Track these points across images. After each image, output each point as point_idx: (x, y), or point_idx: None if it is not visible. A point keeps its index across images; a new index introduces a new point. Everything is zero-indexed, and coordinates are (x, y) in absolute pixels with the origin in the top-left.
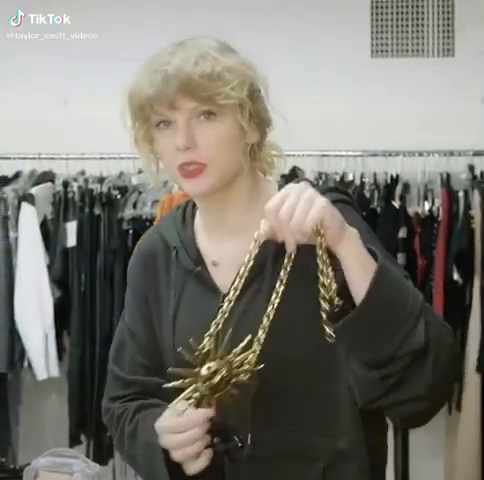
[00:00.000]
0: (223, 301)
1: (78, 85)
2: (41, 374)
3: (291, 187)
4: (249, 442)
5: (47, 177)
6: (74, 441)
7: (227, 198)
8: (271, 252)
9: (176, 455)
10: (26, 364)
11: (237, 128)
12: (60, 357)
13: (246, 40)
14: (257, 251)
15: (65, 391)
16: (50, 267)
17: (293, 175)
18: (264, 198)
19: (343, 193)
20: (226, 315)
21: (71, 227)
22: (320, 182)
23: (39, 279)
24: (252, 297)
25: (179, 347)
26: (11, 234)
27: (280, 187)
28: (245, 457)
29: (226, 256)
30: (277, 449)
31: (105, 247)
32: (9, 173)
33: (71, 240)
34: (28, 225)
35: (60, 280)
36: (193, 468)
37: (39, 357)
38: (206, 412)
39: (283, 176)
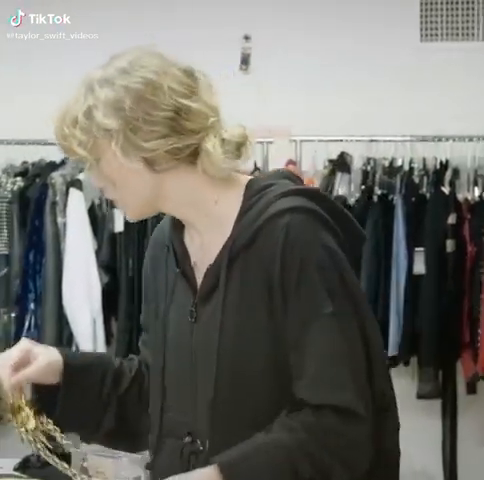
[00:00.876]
0: (192, 305)
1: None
2: None
3: None
4: (207, 446)
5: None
6: None
7: (176, 210)
8: (224, 260)
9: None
10: (74, 349)
11: (113, 169)
12: (108, 342)
13: (290, 23)
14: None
15: None
16: (98, 252)
17: (342, 161)
18: (226, 197)
19: (307, 194)
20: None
21: (119, 212)
22: (368, 168)
23: (87, 264)
24: (213, 304)
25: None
26: (59, 220)
27: (249, 186)
28: (204, 460)
29: (200, 258)
30: None
31: (152, 232)
32: (57, 159)
33: (119, 225)
34: (76, 210)
35: (108, 265)
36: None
37: (87, 342)
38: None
39: (331, 161)
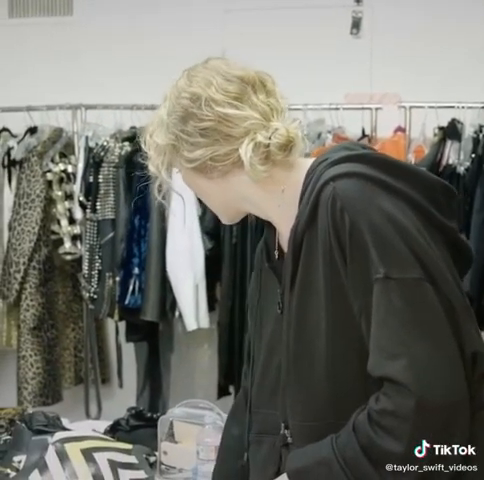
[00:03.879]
0: (279, 298)
1: (235, 35)
2: (191, 325)
3: None
4: (289, 435)
5: None
6: (222, 392)
7: (252, 208)
8: (290, 245)
9: None
10: (177, 314)
11: (188, 180)
12: (212, 308)
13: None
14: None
15: (215, 342)
16: (202, 219)
17: (452, 128)
18: (290, 184)
19: (360, 161)
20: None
21: None
22: (480, 136)
23: (191, 230)
24: (291, 291)
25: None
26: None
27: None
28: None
29: (284, 251)
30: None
31: None
32: None
33: None
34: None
35: (211, 232)
36: None
37: (189, 308)
38: None
39: (441, 128)
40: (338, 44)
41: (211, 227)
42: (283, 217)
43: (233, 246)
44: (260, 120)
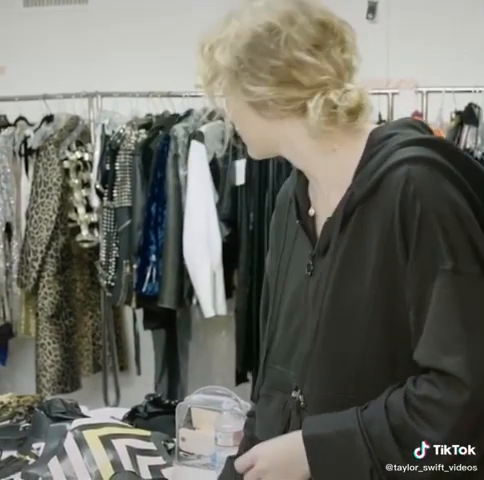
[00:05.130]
0: (311, 259)
1: None
2: (208, 312)
3: (274, 464)
4: (302, 400)
5: (218, 115)
6: (240, 379)
7: (296, 155)
8: (340, 211)
9: None
10: (195, 301)
11: (232, 105)
12: (229, 295)
13: None
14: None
15: (233, 329)
16: (219, 205)
17: (469, 112)
18: (344, 147)
19: (429, 144)
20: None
21: (240, 165)
22: None
23: (208, 217)
24: (328, 258)
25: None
26: (181, 172)
27: (372, 135)
28: (303, 415)
29: (320, 210)
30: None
31: (273, 185)
32: (181, 111)
33: (240, 178)
34: (198, 163)
35: (229, 218)
36: None
37: (207, 295)
38: None
39: (458, 113)
40: (354, 29)
41: (228, 214)
42: (328, 176)
43: (250, 233)
44: (335, 77)
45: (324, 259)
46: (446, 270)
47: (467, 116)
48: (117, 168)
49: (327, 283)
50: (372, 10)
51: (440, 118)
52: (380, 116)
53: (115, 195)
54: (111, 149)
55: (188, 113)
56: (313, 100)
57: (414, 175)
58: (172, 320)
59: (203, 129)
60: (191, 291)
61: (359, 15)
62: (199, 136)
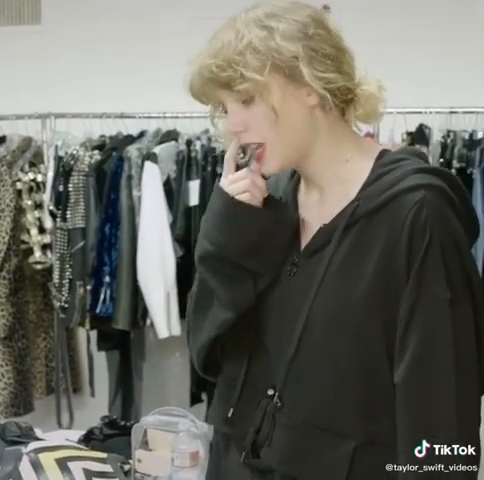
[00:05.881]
0: (295, 259)
1: (202, 44)
2: (163, 332)
3: None
4: (275, 400)
5: (171, 136)
6: (195, 399)
7: (309, 160)
8: (344, 220)
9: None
10: (149, 322)
11: (281, 101)
12: (183, 315)
13: None
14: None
15: (187, 349)
16: (173, 226)
17: (420, 133)
18: (356, 159)
19: (439, 174)
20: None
21: (194, 186)
22: (448, 140)
23: (162, 238)
24: (317, 262)
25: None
26: (135, 193)
27: (380, 155)
28: (280, 417)
29: (311, 215)
30: (312, 418)
31: None
32: (134, 132)
33: (194, 199)
34: (151, 184)
35: (182, 239)
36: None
37: (161, 316)
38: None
39: (409, 133)
40: None
41: (182, 234)
42: (331, 185)
43: None
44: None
45: (312, 262)
46: (443, 299)
47: (418, 137)
48: (70, 189)
49: (318, 287)
50: None
51: (392, 139)
52: None
53: (68, 216)
54: (64, 170)
55: (141, 134)
56: (367, 87)
57: (428, 201)
58: (126, 341)
59: (157, 150)
60: (145, 312)
61: None
62: (153, 157)
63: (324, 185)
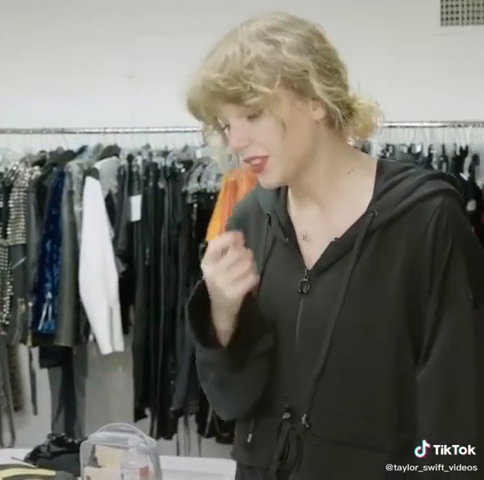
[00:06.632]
0: (306, 277)
1: (143, 59)
2: (106, 348)
3: None
4: (303, 422)
5: (112, 151)
6: (139, 415)
7: (310, 175)
8: (362, 231)
9: (219, 282)
10: (91, 338)
11: (289, 115)
12: (126, 331)
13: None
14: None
15: (131, 365)
16: (115, 241)
17: (360, 148)
18: (357, 171)
19: (448, 179)
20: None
21: (135, 201)
22: (387, 154)
23: (104, 253)
24: (335, 276)
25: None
26: (76, 208)
27: (380, 166)
28: (309, 438)
29: (315, 230)
30: (343, 436)
31: (169, 221)
32: (75, 147)
33: (135, 214)
34: (93, 199)
35: (125, 254)
36: (234, 291)
37: (103, 331)
38: (234, 234)
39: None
40: None
41: (124, 250)
42: (333, 199)
43: (146, 268)
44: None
45: (328, 277)
46: (465, 299)
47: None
48: (11, 205)
49: (342, 302)
50: None
51: None
52: None
53: (9, 233)
54: (4, 186)
55: (82, 149)
56: (361, 101)
57: (447, 206)
58: (69, 357)
59: (98, 165)
60: (88, 328)
61: None
62: (94, 172)
63: (326, 199)
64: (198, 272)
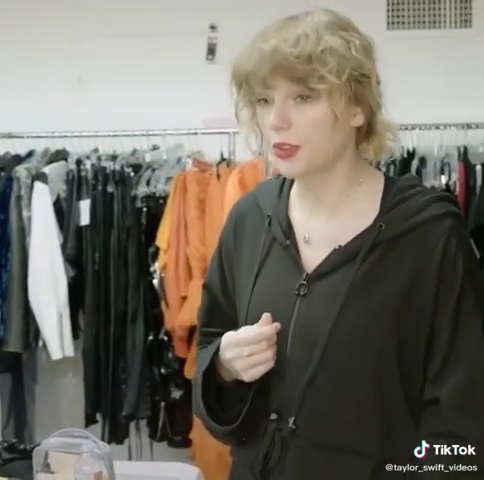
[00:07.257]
0: (305, 280)
1: (91, 63)
2: (56, 354)
3: None
4: (290, 424)
5: (60, 155)
6: (90, 420)
7: (326, 178)
8: (368, 242)
9: (238, 365)
10: (41, 344)
11: (340, 111)
12: (76, 336)
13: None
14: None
15: (81, 370)
16: (64, 246)
17: None
18: (367, 183)
19: (452, 202)
20: (304, 293)
21: (84, 205)
22: None
23: (53, 258)
24: (335, 282)
25: (251, 313)
26: (24, 213)
27: (388, 180)
28: (295, 440)
29: (318, 235)
30: (330, 440)
31: (119, 225)
32: (22, 152)
33: (84, 218)
34: (41, 204)
35: (74, 259)
36: (252, 375)
37: (53, 337)
38: (276, 326)
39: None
40: (194, 70)
41: (73, 254)
42: (343, 208)
43: (96, 273)
44: None
45: (326, 282)
46: (480, 323)
47: None
48: None
49: (340, 306)
50: (212, 51)
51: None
52: (222, 155)
53: None
54: None
55: (30, 154)
56: (380, 119)
57: (456, 228)
58: (18, 363)
59: (46, 170)
60: (37, 333)
61: (199, 57)
62: (42, 177)
63: (334, 205)
64: (148, 276)
